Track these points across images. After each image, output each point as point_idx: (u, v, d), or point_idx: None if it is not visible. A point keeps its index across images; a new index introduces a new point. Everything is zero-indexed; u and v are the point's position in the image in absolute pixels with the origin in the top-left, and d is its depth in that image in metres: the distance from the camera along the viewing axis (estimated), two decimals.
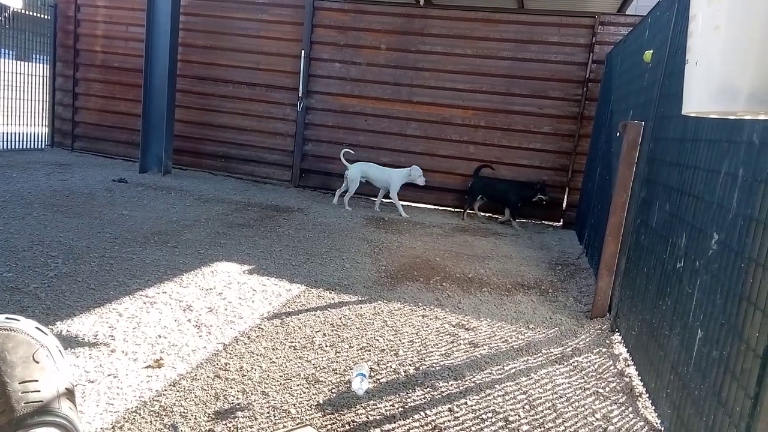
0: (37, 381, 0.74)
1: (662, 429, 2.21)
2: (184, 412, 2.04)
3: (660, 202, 2.78)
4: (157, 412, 2.02)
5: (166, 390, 2.18)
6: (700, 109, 0.75)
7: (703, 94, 0.73)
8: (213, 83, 7.91)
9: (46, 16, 8.54)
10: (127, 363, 2.36)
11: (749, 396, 1.45)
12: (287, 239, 4.74)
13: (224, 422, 2.00)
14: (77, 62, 8.47)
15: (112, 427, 1.91)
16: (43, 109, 8.74)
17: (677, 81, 2.71)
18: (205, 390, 2.21)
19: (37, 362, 0.76)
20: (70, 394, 0.78)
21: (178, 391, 2.18)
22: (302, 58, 7.44)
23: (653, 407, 2.38)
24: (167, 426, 1.95)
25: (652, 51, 3.48)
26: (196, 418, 2.01)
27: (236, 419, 2.03)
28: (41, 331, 0.80)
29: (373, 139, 7.47)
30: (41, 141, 8.64)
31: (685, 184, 2.39)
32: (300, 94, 7.53)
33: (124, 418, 1.98)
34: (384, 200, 6.89)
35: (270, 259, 4.09)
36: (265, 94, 7.76)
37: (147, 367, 2.35)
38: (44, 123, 8.78)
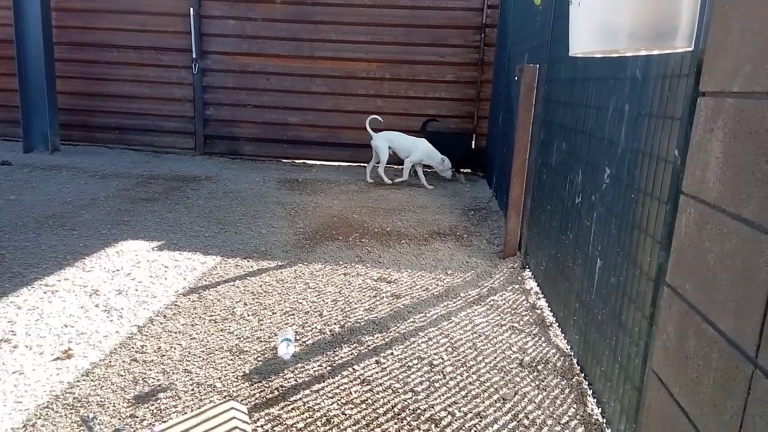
0: None
1: (572, 354, 2.39)
2: (101, 401, 1.95)
3: (558, 141, 2.91)
4: (72, 405, 1.92)
5: (78, 381, 2.07)
6: (585, 49, 0.77)
7: (586, 35, 0.75)
8: (96, 49, 7.29)
9: None
10: (32, 357, 2.21)
11: (645, 317, 1.59)
12: (197, 210, 4.55)
13: (145, 406, 1.94)
14: None
15: (24, 426, 1.80)
16: None
17: (566, 23, 2.79)
18: (122, 375, 2.12)
19: None
20: None
21: (92, 380, 2.08)
22: (192, 16, 6.99)
23: (563, 335, 2.56)
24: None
25: None
26: (114, 406, 1.93)
27: (158, 401, 1.97)
28: None
29: (278, 99, 7.25)
30: None
31: (579, 123, 2.50)
32: (194, 56, 7.11)
33: (36, 415, 1.86)
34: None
35: (180, 233, 3.93)
36: (156, 58, 7.26)
37: (55, 359, 2.21)
38: None
